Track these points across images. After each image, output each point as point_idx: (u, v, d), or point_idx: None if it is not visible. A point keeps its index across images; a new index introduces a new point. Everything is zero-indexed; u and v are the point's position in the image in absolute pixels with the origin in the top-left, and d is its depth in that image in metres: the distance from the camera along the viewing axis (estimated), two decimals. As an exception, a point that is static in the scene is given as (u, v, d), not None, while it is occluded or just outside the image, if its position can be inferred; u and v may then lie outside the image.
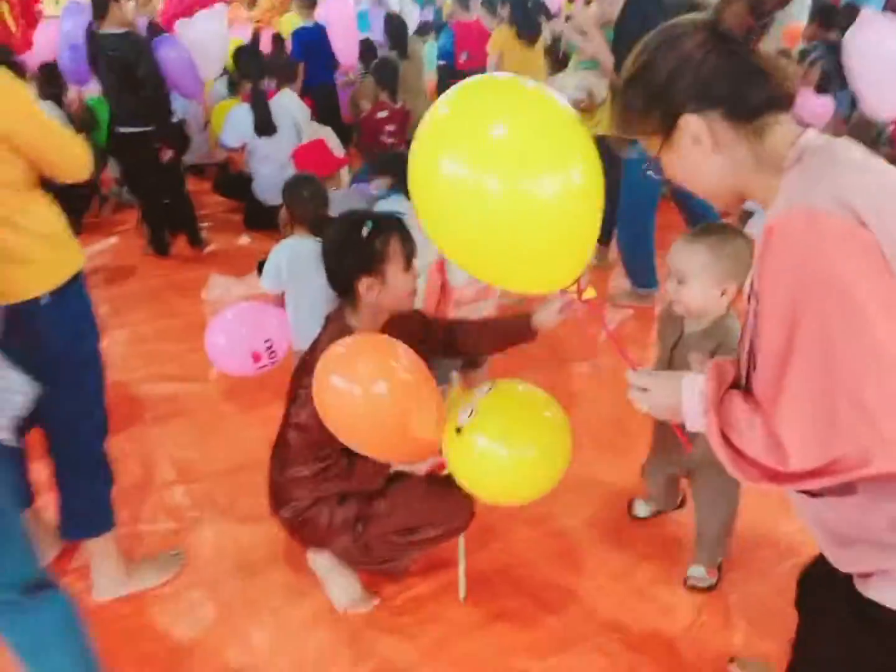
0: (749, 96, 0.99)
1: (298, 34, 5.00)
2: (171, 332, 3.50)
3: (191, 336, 3.48)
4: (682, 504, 2.21)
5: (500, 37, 4.48)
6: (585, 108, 3.54)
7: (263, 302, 2.93)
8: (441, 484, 1.86)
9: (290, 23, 5.52)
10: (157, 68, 4.10)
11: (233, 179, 5.01)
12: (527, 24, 4.33)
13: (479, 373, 2.44)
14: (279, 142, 4.35)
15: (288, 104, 4.48)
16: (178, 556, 2.17)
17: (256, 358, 2.76)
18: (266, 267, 2.79)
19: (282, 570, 2.12)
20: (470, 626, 1.92)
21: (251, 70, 4.59)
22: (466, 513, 1.91)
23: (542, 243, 1.15)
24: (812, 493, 1.04)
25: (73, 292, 1.81)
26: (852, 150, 0.98)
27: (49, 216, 1.78)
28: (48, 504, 2.12)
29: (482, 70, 4.44)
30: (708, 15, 1.01)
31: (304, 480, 1.84)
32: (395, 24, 4.97)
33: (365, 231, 1.76)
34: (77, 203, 4.38)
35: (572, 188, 1.13)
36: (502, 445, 1.62)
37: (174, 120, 4.31)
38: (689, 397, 1.09)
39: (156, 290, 3.95)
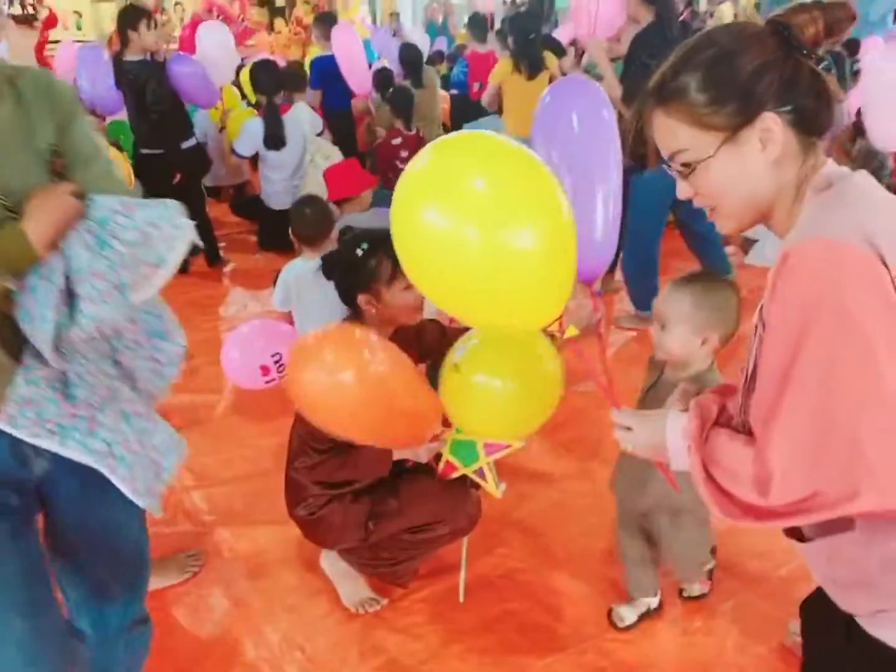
0: (820, 111, 0.97)
1: (317, 62, 5.19)
2: (189, 347, 3.61)
3: (208, 350, 3.61)
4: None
5: (502, 68, 4.61)
6: None
7: (278, 319, 3.05)
8: (449, 484, 1.96)
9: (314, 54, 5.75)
10: (168, 92, 4.28)
11: (249, 201, 5.16)
12: (527, 56, 4.43)
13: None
14: (288, 153, 4.59)
15: (300, 116, 4.71)
16: (196, 555, 2.28)
17: (265, 371, 2.87)
18: (276, 287, 2.92)
19: (295, 571, 2.22)
20: (473, 627, 2.01)
21: (266, 85, 4.78)
22: (473, 512, 2.01)
23: (518, 290, 1.20)
24: (801, 538, 1.04)
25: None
26: (875, 186, 0.97)
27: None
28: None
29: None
30: (771, 25, 0.97)
31: (308, 471, 1.92)
32: (410, 53, 5.16)
33: (359, 252, 1.87)
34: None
35: (545, 238, 1.18)
36: (499, 374, 1.63)
37: (193, 142, 4.48)
38: (673, 436, 1.08)
39: (175, 306, 4.03)
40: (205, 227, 4.57)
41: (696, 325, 1.65)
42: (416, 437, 1.82)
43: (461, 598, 2.09)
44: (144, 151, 4.30)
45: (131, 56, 4.25)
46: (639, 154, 1.10)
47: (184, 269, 4.50)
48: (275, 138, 4.59)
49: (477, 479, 1.91)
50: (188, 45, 6.13)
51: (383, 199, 3.82)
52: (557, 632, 2.00)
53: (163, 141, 4.28)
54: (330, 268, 1.93)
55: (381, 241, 1.86)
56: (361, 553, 2.03)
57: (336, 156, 4.69)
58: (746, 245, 4.63)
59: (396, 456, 1.93)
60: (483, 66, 5.44)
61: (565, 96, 2.06)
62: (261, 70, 5.02)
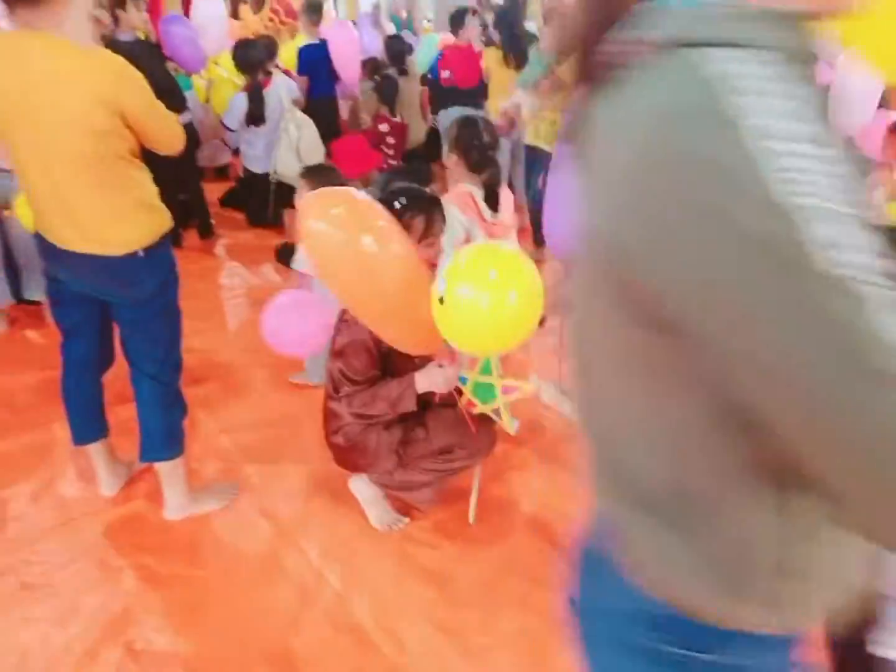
0: None
1: (304, 51, 5.38)
2: (193, 312, 3.80)
3: (212, 315, 3.82)
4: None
5: (489, 58, 4.90)
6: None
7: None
8: (469, 414, 2.23)
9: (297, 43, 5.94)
10: (164, 70, 4.42)
11: (234, 193, 5.35)
12: (514, 48, 4.74)
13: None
14: (268, 125, 4.85)
15: (279, 91, 4.95)
16: (232, 485, 2.50)
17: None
18: (299, 255, 3.12)
19: (324, 498, 2.47)
20: (487, 541, 2.29)
21: (248, 63, 4.99)
22: (490, 438, 2.28)
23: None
24: None
25: (162, 249, 2.14)
26: None
27: (148, 185, 2.10)
28: (119, 443, 2.44)
29: (463, 88, 4.88)
30: None
31: (345, 402, 2.16)
32: (395, 45, 5.40)
33: (397, 205, 2.13)
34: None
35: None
36: (478, 294, 1.76)
37: (188, 118, 4.63)
38: None
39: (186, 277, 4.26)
40: (199, 200, 4.76)
41: None
42: (417, 336, 1.99)
43: (471, 519, 2.36)
44: None
45: (124, 36, 4.39)
46: None
47: (176, 242, 4.66)
48: (256, 116, 4.85)
49: (493, 416, 2.19)
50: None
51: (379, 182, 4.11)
52: (560, 537, 2.29)
53: None
54: None
55: (417, 200, 2.12)
56: (392, 477, 2.28)
57: (307, 125, 4.93)
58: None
59: (420, 390, 2.16)
60: (454, 55, 5.68)
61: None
62: (241, 50, 5.23)
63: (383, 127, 5.01)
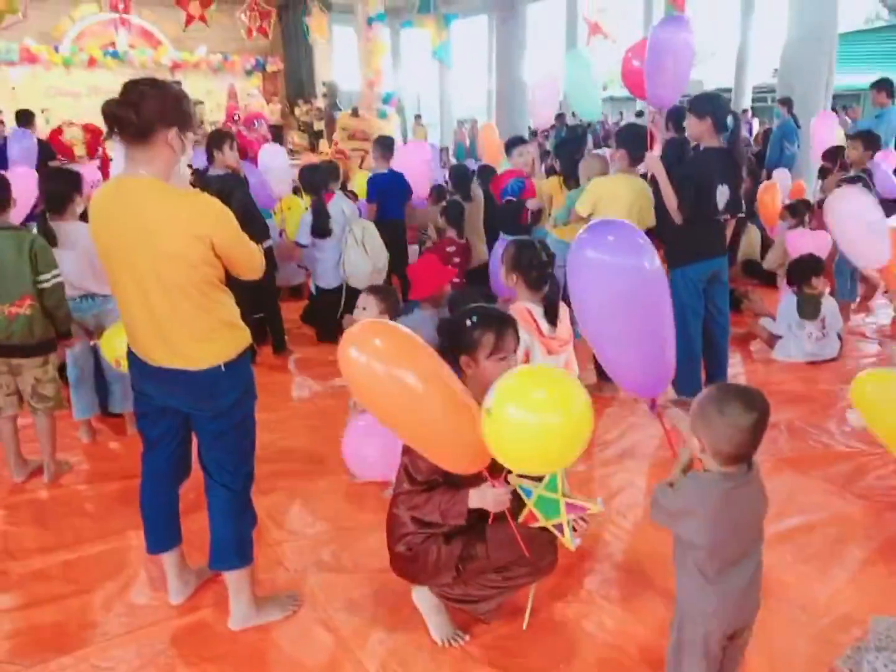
0: None
1: (374, 179, 5.82)
2: (264, 424, 3.96)
3: (281, 428, 3.96)
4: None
5: (549, 185, 5.17)
6: None
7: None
8: (529, 530, 2.24)
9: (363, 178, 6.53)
10: (250, 200, 4.83)
11: (310, 311, 5.67)
12: (573, 174, 4.99)
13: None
14: (335, 237, 5.28)
15: (340, 204, 5.42)
16: (294, 596, 2.54)
17: None
18: None
19: (386, 608, 2.48)
20: (546, 664, 2.25)
21: (313, 184, 5.50)
22: (551, 557, 2.27)
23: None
24: None
25: (241, 364, 2.30)
26: None
27: (231, 306, 2.28)
28: (189, 551, 2.53)
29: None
30: None
31: (405, 499, 2.21)
32: (459, 172, 5.76)
33: (469, 322, 2.25)
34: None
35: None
36: (527, 413, 1.82)
37: (269, 243, 5.00)
38: None
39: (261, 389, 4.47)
40: (276, 318, 5.06)
41: (693, 430, 1.77)
42: (458, 459, 2.05)
43: (524, 626, 2.33)
44: None
45: (214, 171, 4.84)
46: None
47: (252, 358, 4.92)
48: (321, 229, 5.27)
49: (555, 532, 2.19)
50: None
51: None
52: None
53: None
54: (443, 328, 2.29)
55: (488, 318, 2.24)
56: (452, 590, 2.28)
57: (369, 227, 5.33)
58: (772, 341, 4.99)
59: (472, 506, 2.15)
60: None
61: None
62: (306, 173, 5.78)
63: (450, 248, 5.28)
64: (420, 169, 5.86)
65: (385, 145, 5.77)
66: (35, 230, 3.50)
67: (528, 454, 1.90)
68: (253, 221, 4.81)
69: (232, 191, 4.74)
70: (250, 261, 2.29)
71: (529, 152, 5.26)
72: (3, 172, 3.46)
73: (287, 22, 16.72)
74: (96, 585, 2.64)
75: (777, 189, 7.11)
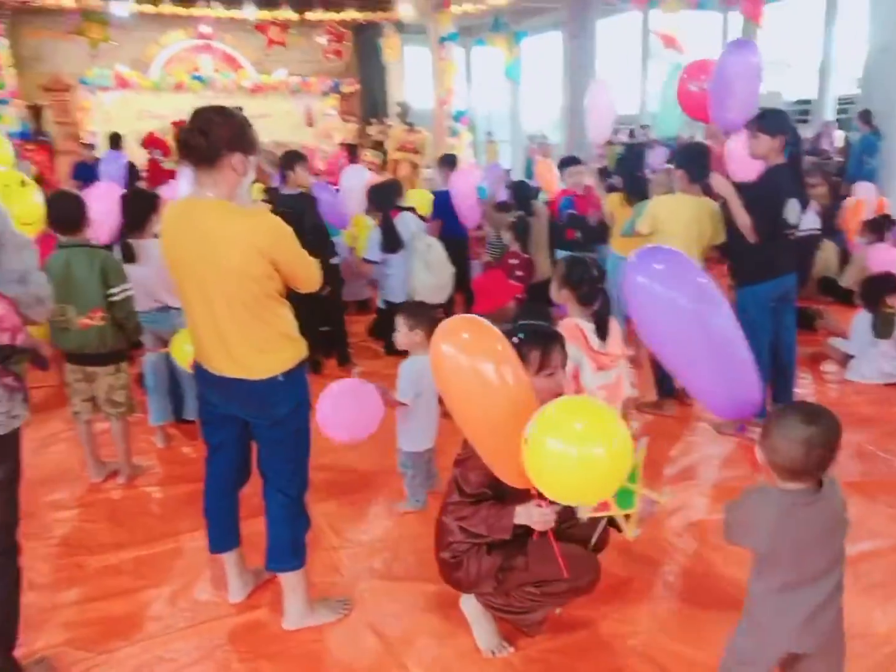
0: None
1: (437, 197, 5.95)
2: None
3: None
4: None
5: (613, 202, 5.19)
6: None
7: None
8: (572, 548, 2.27)
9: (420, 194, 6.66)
10: (321, 221, 5.01)
11: (380, 325, 5.82)
12: (635, 191, 4.99)
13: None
14: (402, 254, 5.40)
15: (407, 221, 5.57)
16: (345, 601, 2.62)
17: None
18: (399, 385, 3.31)
19: (434, 616, 2.54)
20: (594, 674, 2.26)
21: (380, 201, 5.67)
22: (591, 576, 2.28)
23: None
24: None
25: (298, 375, 2.41)
26: None
27: (289, 319, 2.40)
28: (248, 553, 2.65)
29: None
30: None
31: (453, 510, 2.27)
32: (521, 189, 5.83)
33: (515, 339, 2.29)
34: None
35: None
36: (562, 444, 1.82)
37: (337, 260, 5.18)
38: None
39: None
40: (340, 332, 5.21)
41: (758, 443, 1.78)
42: (513, 467, 2.02)
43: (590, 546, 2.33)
44: None
45: (286, 191, 5.04)
46: None
47: (318, 370, 5.08)
48: (391, 243, 5.43)
49: (621, 522, 2.20)
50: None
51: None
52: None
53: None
54: None
55: (534, 334, 2.28)
56: (495, 599, 2.33)
57: (435, 243, 5.43)
58: (845, 361, 4.83)
59: (517, 521, 2.18)
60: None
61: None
62: (374, 191, 5.97)
63: (513, 261, 5.34)
64: (467, 195, 5.97)
65: (449, 163, 5.89)
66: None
67: (564, 485, 1.91)
68: (320, 239, 5.00)
69: (303, 209, 4.94)
70: (308, 275, 2.40)
71: (580, 172, 5.30)
72: (78, 193, 3.70)
73: (362, 44, 17.16)
74: (163, 581, 2.79)
75: (863, 204, 6.87)
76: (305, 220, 4.91)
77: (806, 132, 15.39)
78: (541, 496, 2.10)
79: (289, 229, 2.33)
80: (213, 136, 2.20)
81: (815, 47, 15.59)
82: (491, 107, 19.88)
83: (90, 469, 3.60)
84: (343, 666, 2.35)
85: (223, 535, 2.59)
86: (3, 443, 2.00)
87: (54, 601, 2.69)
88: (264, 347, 2.31)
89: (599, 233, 5.07)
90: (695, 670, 2.26)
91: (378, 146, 15.56)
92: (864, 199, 6.94)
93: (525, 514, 2.15)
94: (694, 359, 2.38)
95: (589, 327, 2.67)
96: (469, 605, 2.42)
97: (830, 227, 6.79)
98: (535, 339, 2.26)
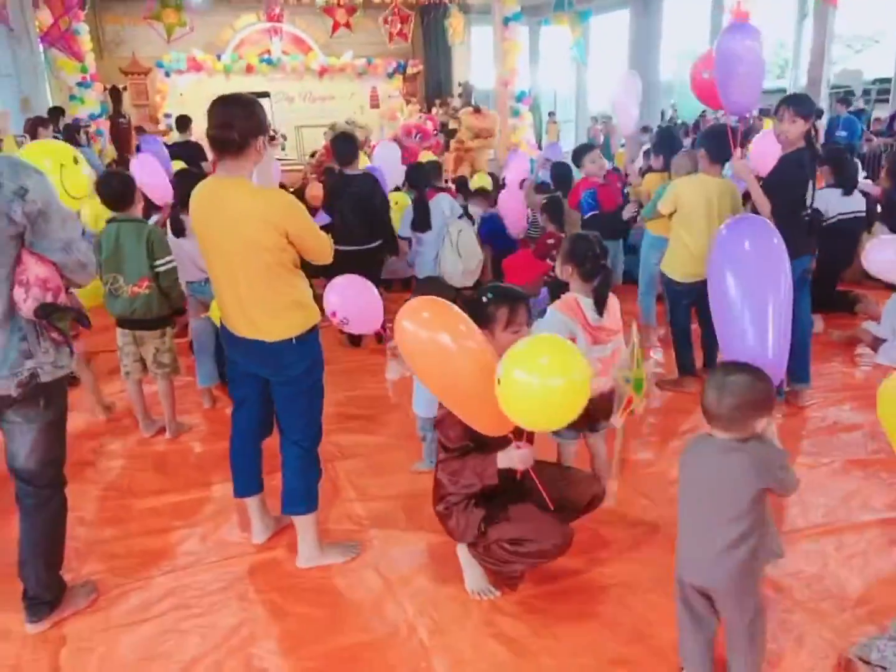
0: None
1: (485, 222, 6.27)
2: (359, 401, 4.38)
3: (374, 404, 4.34)
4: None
5: (648, 183, 5.27)
6: None
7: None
8: (547, 511, 2.46)
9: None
10: (387, 199, 5.32)
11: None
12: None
13: (598, 436, 3.04)
14: (434, 233, 5.67)
15: (442, 203, 5.81)
16: (355, 546, 2.89)
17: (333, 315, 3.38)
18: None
19: (433, 562, 2.79)
20: (570, 619, 2.46)
21: (416, 181, 5.96)
22: (559, 539, 2.46)
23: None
24: None
25: (311, 338, 2.66)
26: None
27: (303, 287, 2.64)
28: (271, 503, 2.93)
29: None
30: None
31: (441, 467, 2.51)
32: (560, 171, 5.94)
33: (485, 298, 2.49)
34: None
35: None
36: (530, 377, 2.04)
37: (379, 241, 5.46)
38: None
39: (349, 371, 4.89)
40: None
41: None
42: (487, 419, 2.29)
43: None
44: (347, 248, 5.19)
45: (350, 171, 5.33)
46: None
47: (357, 343, 5.36)
48: (422, 222, 5.69)
49: (639, 403, 2.45)
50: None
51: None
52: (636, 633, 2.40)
53: (383, 235, 5.41)
54: (465, 307, 2.56)
55: (502, 295, 2.48)
56: (477, 549, 2.55)
57: (466, 228, 5.68)
58: (876, 344, 4.81)
59: (501, 465, 2.39)
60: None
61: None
62: (412, 169, 6.27)
63: (550, 241, 5.47)
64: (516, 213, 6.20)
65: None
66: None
67: (534, 413, 2.14)
68: (383, 215, 5.32)
69: (372, 188, 5.27)
70: (319, 247, 2.63)
71: (601, 156, 5.38)
72: (127, 172, 4.04)
73: (427, 25, 17.33)
74: (196, 523, 3.12)
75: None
76: (375, 198, 5.24)
77: (883, 112, 14.84)
78: (517, 438, 2.31)
79: (300, 205, 2.56)
80: (239, 130, 2.45)
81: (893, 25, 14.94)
82: (556, 86, 19.77)
83: (141, 425, 3.97)
84: (346, 599, 2.62)
85: (246, 481, 2.88)
86: (51, 388, 2.32)
87: (100, 536, 3.04)
88: (279, 313, 2.56)
89: (621, 231, 5.20)
90: (670, 619, 2.43)
91: (441, 128, 15.77)
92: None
93: (506, 458, 2.36)
94: (752, 322, 2.25)
95: (587, 303, 2.82)
96: (462, 551, 2.64)
97: (887, 211, 6.63)
98: (503, 299, 2.45)
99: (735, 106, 3.75)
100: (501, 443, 2.39)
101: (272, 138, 7.77)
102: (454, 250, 5.36)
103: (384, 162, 6.56)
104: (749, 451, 1.91)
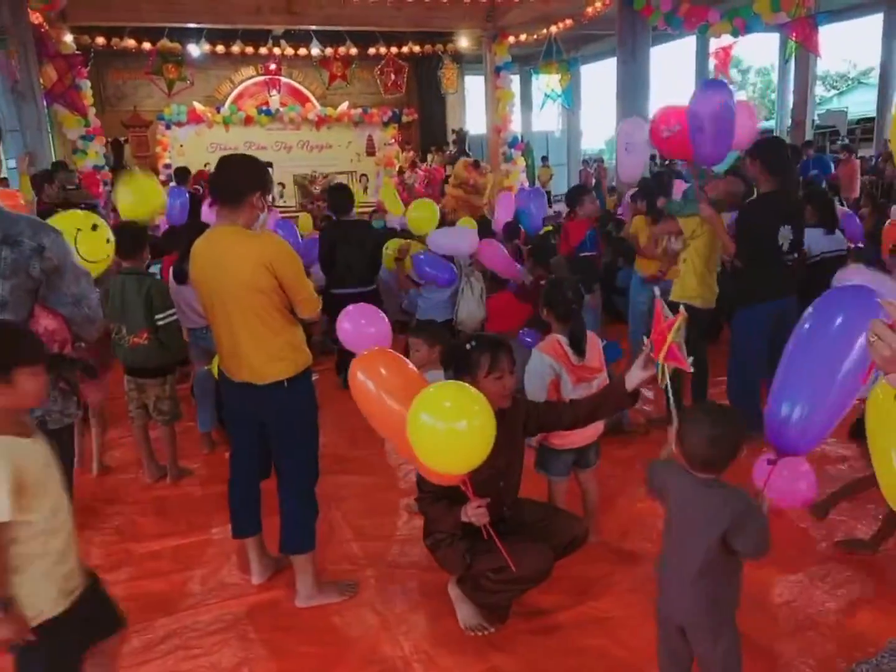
0: None
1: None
2: (354, 442, 4.47)
3: (369, 445, 4.41)
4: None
5: (638, 223, 5.44)
6: None
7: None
8: (527, 543, 2.54)
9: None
10: (372, 243, 5.49)
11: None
12: (656, 213, 5.22)
13: (589, 473, 3.13)
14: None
15: None
16: (352, 585, 2.96)
17: None
18: None
19: (429, 599, 2.86)
20: (560, 651, 2.52)
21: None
22: (541, 565, 2.53)
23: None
24: None
25: (303, 380, 2.77)
26: None
27: (295, 331, 2.74)
28: (270, 543, 3.01)
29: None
30: None
31: (419, 503, 2.65)
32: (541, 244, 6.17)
33: (468, 346, 2.59)
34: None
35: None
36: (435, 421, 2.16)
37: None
38: None
39: (345, 414, 4.96)
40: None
41: None
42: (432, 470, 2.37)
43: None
44: (341, 292, 5.35)
45: (347, 218, 5.55)
46: None
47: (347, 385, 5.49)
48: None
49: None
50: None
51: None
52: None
53: (373, 280, 5.58)
54: (447, 354, 2.68)
55: (485, 343, 2.59)
56: (469, 588, 2.63)
57: (480, 277, 5.67)
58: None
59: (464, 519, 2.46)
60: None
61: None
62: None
63: (544, 283, 5.63)
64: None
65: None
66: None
67: (443, 456, 2.25)
68: (373, 255, 5.49)
69: (364, 233, 5.48)
70: (307, 298, 2.72)
71: (595, 199, 5.56)
72: (138, 224, 4.20)
73: (421, 75, 17.79)
74: (197, 565, 3.19)
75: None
76: (367, 243, 5.43)
77: (868, 151, 15.15)
78: (465, 486, 2.36)
79: (291, 249, 2.70)
80: (239, 181, 2.61)
81: (875, 63, 15.37)
82: (548, 131, 20.18)
83: (146, 469, 4.05)
84: (343, 637, 2.68)
85: (245, 522, 2.96)
86: (58, 435, 2.41)
87: (105, 579, 3.09)
88: (273, 355, 2.67)
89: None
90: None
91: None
92: (898, 221, 6.93)
93: (465, 516, 2.43)
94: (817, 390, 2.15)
95: (566, 342, 2.95)
96: (453, 590, 2.72)
97: (871, 249, 6.80)
98: (485, 346, 2.55)
99: (707, 157, 3.93)
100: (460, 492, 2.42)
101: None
102: (475, 299, 5.41)
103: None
104: (730, 491, 1.93)
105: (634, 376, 2.38)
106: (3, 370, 1.75)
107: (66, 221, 3.16)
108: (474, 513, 2.40)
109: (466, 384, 2.31)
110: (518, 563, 2.43)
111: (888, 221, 7.01)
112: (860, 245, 6.53)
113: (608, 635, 2.61)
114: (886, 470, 1.83)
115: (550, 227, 7.60)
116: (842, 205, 7.20)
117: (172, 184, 9.00)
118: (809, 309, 2.25)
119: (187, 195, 6.96)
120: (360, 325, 3.24)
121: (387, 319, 3.30)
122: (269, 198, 2.74)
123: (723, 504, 1.90)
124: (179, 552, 3.31)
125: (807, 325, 2.22)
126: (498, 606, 2.65)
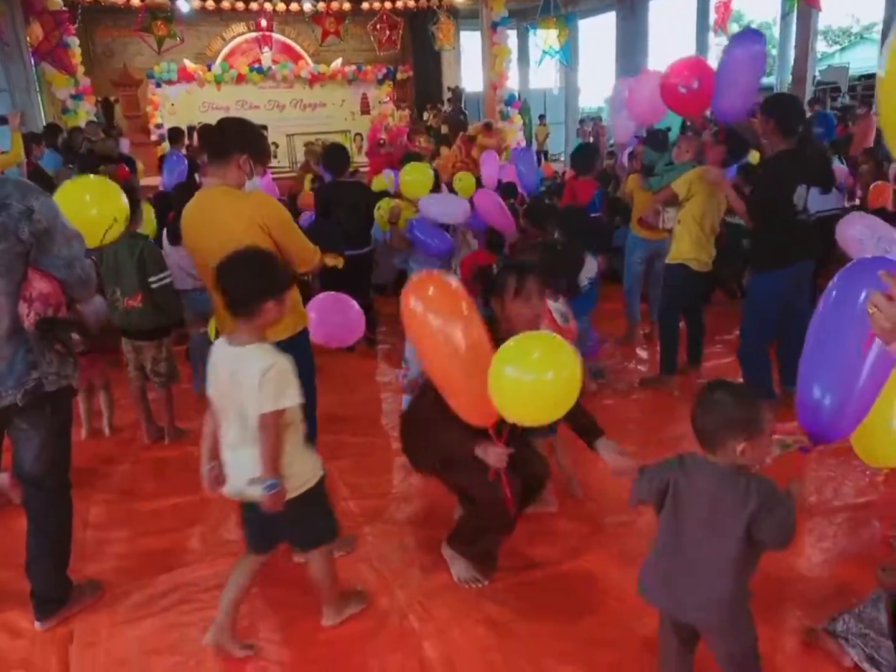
0: None
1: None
2: (350, 404, 4.51)
3: (365, 406, 4.47)
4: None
5: (632, 182, 5.42)
6: None
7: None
8: (497, 487, 2.49)
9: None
10: (366, 203, 5.49)
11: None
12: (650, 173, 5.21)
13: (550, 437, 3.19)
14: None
15: None
16: (350, 540, 3.00)
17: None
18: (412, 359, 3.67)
19: (424, 554, 2.93)
20: (553, 603, 2.60)
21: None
22: (504, 519, 2.57)
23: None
24: None
25: (301, 340, 2.80)
26: None
27: (292, 292, 2.78)
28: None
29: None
30: None
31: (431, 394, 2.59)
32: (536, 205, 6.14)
33: (495, 268, 2.62)
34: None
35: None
36: (519, 373, 2.14)
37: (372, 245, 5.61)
38: None
39: (341, 373, 5.02)
40: (372, 313, 5.59)
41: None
42: (471, 408, 2.37)
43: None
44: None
45: (344, 179, 5.52)
46: None
47: (351, 347, 5.49)
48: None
49: None
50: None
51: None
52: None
53: (368, 241, 5.52)
54: (478, 275, 2.69)
55: (514, 266, 2.60)
56: (458, 543, 2.73)
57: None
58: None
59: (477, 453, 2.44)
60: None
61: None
62: None
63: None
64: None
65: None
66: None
67: (527, 408, 2.23)
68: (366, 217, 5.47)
69: (364, 193, 5.49)
70: (303, 253, 2.76)
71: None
72: (130, 189, 4.15)
73: (416, 31, 17.48)
74: (196, 523, 3.25)
75: (886, 187, 6.86)
76: (367, 204, 5.42)
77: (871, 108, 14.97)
78: (498, 438, 2.40)
79: (285, 210, 2.73)
80: (227, 135, 2.62)
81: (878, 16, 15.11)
82: (546, 89, 19.93)
83: (144, 432, 4.10)
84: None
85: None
86: (56, 397, 2.44)
87: (105, 537, 3.17)
88: None
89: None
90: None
91: (432, 133, 15.93)
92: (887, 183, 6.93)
93: (482, 451, 2.43)
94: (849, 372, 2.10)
95: (555, 307, 2.98)
96: (447, 550, 2.79)
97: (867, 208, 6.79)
98: (512, 269, 2.57)
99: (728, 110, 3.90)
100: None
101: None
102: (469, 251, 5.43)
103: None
104: (755, 478, 1.84)
105: (608, 454, 2.44)
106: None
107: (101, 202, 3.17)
108: (497, 454, 2.40)
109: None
110: (485, 495, 2.53)
111: (874, 183, 7.03)
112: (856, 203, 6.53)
113: (602, 590, 2.68)
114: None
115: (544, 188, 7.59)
116: (842, 163, 7.14)
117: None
118: (831, 289, 2.17)
119: (185, 162, 6.91)
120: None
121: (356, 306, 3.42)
122: (262, 169, 2.73)
123: (747, 491, 1.80)
124: (179, 510, 3.36)
125: (831, 303, 2.15)
126: (487, 555, 2.72)
